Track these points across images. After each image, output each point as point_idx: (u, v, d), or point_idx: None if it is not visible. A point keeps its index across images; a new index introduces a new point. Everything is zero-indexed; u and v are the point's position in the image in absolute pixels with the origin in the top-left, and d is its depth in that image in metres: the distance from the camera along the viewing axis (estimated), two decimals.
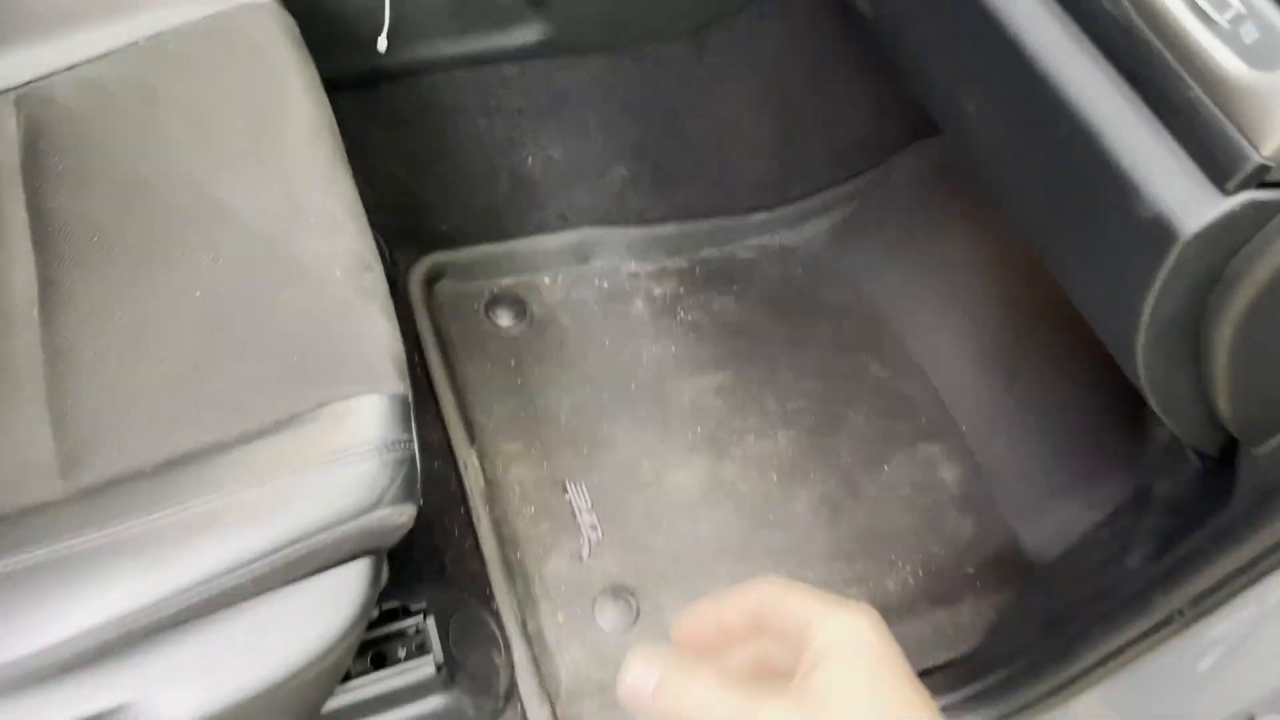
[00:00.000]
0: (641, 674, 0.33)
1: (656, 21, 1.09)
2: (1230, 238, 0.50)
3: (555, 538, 1.03)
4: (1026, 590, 1.01)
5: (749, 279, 1.30)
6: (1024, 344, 1.22)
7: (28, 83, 0.77)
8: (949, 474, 1.16)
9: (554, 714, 0.90)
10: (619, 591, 1.01)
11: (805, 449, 1.16)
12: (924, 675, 0.97)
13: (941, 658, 0.99)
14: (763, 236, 1.33)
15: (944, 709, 0.93)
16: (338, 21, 0.97)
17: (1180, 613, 0.69)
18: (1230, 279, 0.52)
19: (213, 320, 0.66)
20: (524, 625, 0.95)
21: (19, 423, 0.62)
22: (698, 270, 1.30)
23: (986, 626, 1.01)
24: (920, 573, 1.08)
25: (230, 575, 0.57)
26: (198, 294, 0.67)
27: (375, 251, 0.71)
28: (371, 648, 0.82)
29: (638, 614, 1.00)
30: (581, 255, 1.25)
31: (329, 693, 0.73)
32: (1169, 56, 0.47)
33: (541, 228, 1.23)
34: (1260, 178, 0.46)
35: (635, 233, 1.27)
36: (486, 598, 0.96)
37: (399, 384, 0.65)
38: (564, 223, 1.23)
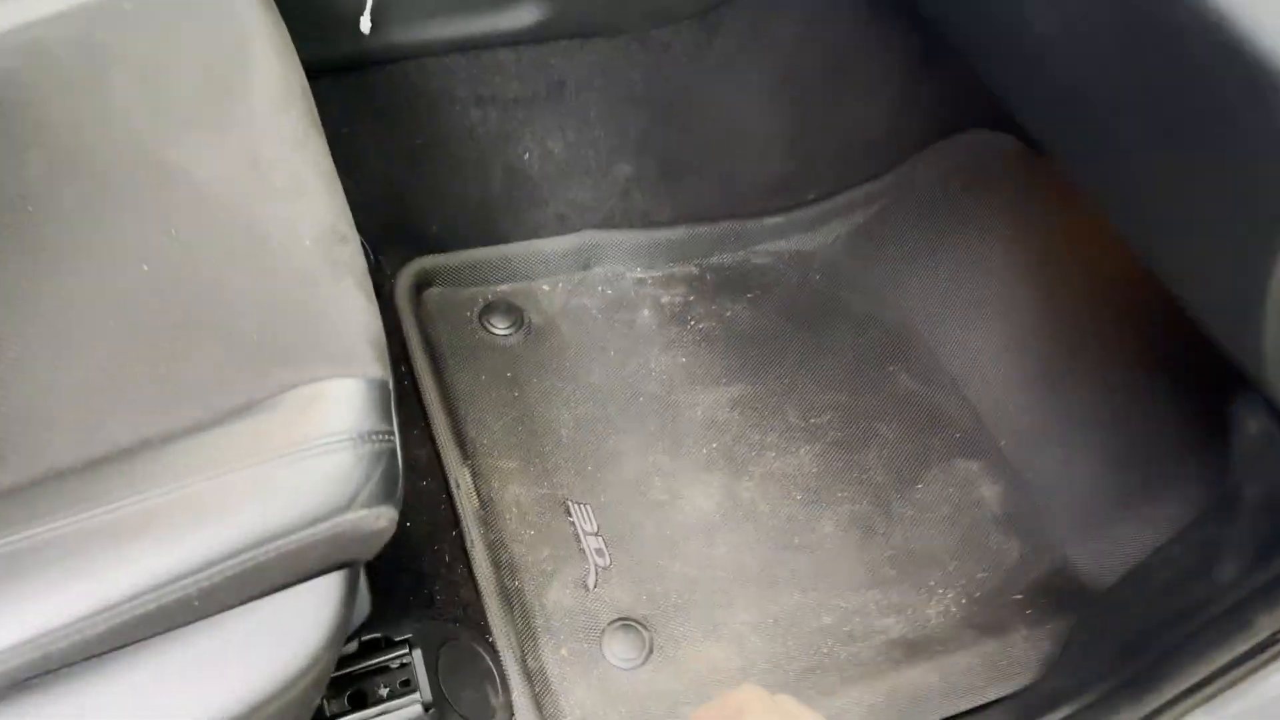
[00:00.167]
0: None
1: (664, 1, 1.03)
2: None
3: (557, 564, 0.94)
4: (1088, 615, 0.92)
5: (764, 286, 1.23)
6: (1066, 352, 1.14)
7: None
8: (989, 492, 1.08)
9: None
10: (629, 623, 0.92)
11: (831, 466, 1.07)
12: (977, 714, 0.88)
13: (994, 693, 0.89)
14: (777, 241, 1.26)
15: None
16: None
17: None
18: None
19: (159, 296, 0.58)
20: (523, 661, 0.86)
21: None
22: (708, 277, 1.22)
23: (1043, 658, 0.92)
24: (964, 599, 0.98)
25: (170, 588, 0.48)
26: (144, 267, 0.58)
27: (351, 222, 0.63)
28: (349, 685, 0.72)
29: (650, 648, 0.91)
30: (583, 261, 1.18)
31: None
32: None
33: (539, 230, 1.15)
34: None
35: (640, 236, 1.19)
36: (481, 630, 0.86)
37: (377, 367, 0.57)
38: (563, 224, 1.16)
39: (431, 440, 0.98)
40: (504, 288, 1.14)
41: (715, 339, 1.16)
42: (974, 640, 0.93)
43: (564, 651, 0.89)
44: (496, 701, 0.80)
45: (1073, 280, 1.17)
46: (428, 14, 0.98)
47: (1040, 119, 0.80)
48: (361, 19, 0.93)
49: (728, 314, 1.19)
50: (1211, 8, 0.42)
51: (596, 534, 0.97)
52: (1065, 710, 0.82)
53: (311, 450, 0.52)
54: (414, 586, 0.87)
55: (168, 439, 0.52)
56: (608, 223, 1.18)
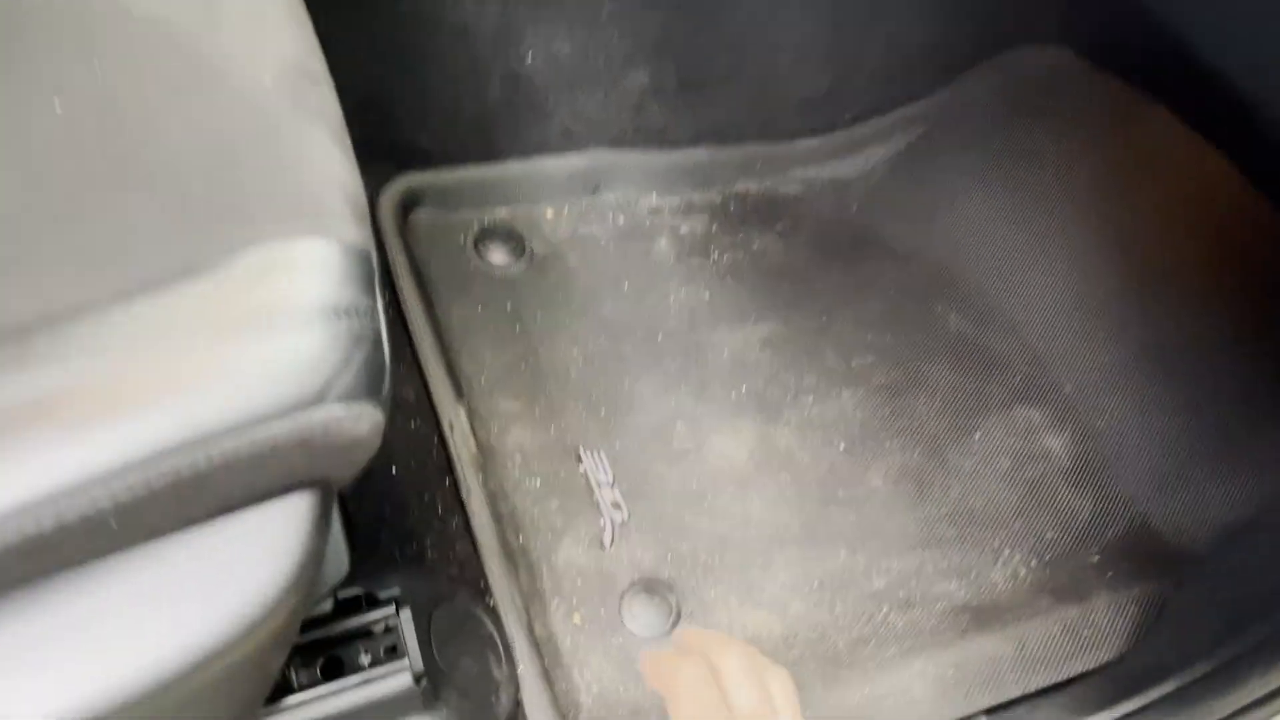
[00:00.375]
0: None
1: None
2: None
3: (568, 519, 0.83)
4: (1185, 582, 0.81)
5: (794, 217, 1.11)
6: (1137, 288, 1.03)
7: None
8: (1054, 442, 0.96)
9: None
10: (653, 586, 0.80)
11: (877, 412, 0.95)
12: (1063, 689, 0.77)
13: (1078, 666, 0.78)
14: (809, 168, 1.14)
15: None
16: None
17: None
18: None
19: (79, 140, 0.45)
20: (530, 628, 0.74)
21: None
22: (732, 206, 1.10)
23: (1132, 627, 0.81)
24: (1033, 561, 0.87)
25: (72, 502, 0.36)
26: (55, 104, 0.46)
27: (323, 61, 0.51)
28: (323, 651, 0.60)
29: (677, 614, 0.79)
30: (591, 184, 1.06)
31: (252, 707, 0.51)
32: None
33: (542, 146, 1.03)
34: None
35: (656, 158, 1.07)
36: (480, 592, 0.75)
37: (356, 231, 0.45)
38: (569, 140, 1.03)
39: (421, 376, 0.86)
40: (502, 212, 1.02)
41: (742, 273, 1.04)
42: (1051, 606, 0.82)
43: (577, 618, 0.77)
44: (500, 674, 0.69)
45: (1143, 209, 1.06)
46: None
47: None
48: None
49: (755, 246, 1.07)
50: None
51: (612, 485, 0.85)
52: (1169, 685, 0.72)
53: (270, 325, 0.40)
54: (400, 541, 0.76)
55: (85, 310, 0.40)
56: (620, 141, 1.06)
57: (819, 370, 0.97)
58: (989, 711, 0.75)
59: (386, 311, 0.91)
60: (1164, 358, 1.00)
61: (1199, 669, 0.69)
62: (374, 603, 0.62)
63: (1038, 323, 1.04)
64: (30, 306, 0.40)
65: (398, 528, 0.76)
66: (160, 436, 0.37)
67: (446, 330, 0.91)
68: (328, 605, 0.61)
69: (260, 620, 0.42)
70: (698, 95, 1.06)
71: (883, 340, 1.01)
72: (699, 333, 0.98)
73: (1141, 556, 0.88)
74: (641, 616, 0.78)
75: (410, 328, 0.89)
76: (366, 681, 0.58)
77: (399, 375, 0.86)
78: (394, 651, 0.61)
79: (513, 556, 0.78)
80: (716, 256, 1.05)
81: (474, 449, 0.83)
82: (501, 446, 0.85)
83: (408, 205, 0.98)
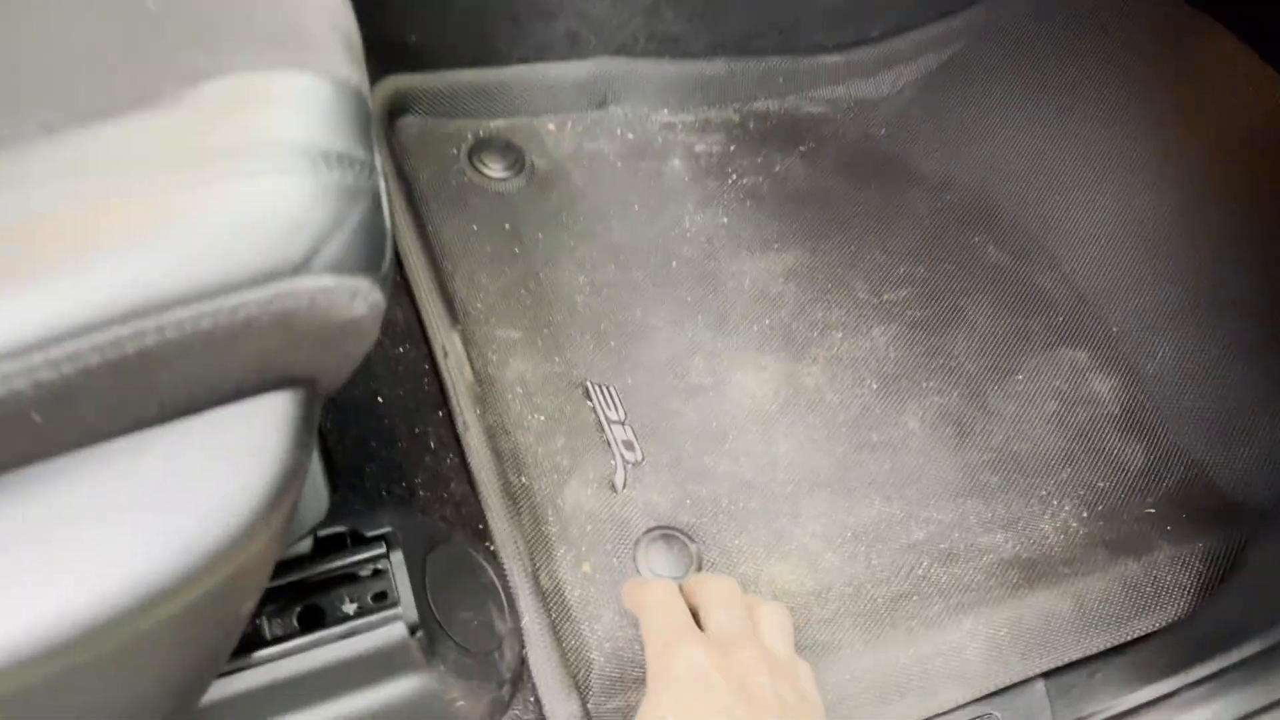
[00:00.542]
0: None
1: None
2: None
3: (575, 458, 0.75)
4: (1264, 535, 0.74)
5: (818, 138, 1.03)
6: (1189, 225, 0.96)
7: None
8: (1102, 386, 0.89)
9: (585, 711, 0.61)
10: (671, 534, 0.72)
11: (912, 350, 0.88)
12: (1125, 651, 0.70)
13: (1144, 626, 0.71)
14: (834, 87, 1.06)
15: (1169, 698, 0.65)
16: None
17: None
18: None
19: None
20: (535, 577, 0.66)
21: None
22: (751, 125, 1.02)
23: (1198, 584, 0.74)
24: (1085, 513, 0.80)
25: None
26: None
27: None
28: (301, 597, 0.52)
29: (699, 564, 0.72)
30: (598, 96, 0.97)
31: (216, 660, 0.43)
32: None
33: (544, 51, 0.94)
34: None
35: (669, 69, 0.99)
36: (478, 535, 0.67)
37: (351, 68, 0.36)
38: (575, 46, 0.94)
39: (410, 297, 0.78)
40: (499, 123, 0.93)
41: (763, 197, 0.96)
42: (1108, 561, 0.75)
43: (586, 567, 0.69)
44: (504, 627, 0.61)
45: (1198, 137, 0.99)
46: None
47: None
48: None
49: (776, 169, 0.99)
50: None
51: (624, 423, 0.77)
52: (1242, 651, 0.65)
53: (242, 166, 0.31)
54: (387, 479, 0.67)
55: (8, 143, 0.31)
56: (630, 49, 0.97)
57: (848, 303, 0.90)
58: (1045, 675, 0.68)
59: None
60: (1218, 298, 0.93)
61: (1263, 640, 0.62)
62: (361, 542, 0.54)
63: (1082, 258, 0.97)
64: None
65: (384, 463, 0.68)
66: (95, 299, 0.29)
67: (438, 249, 0.82)
68: (306, 545, 0.53)
69: (226, 550, 0.34)
70: (715, 1, 0.97)
71: (916, 273, 0.94)
72: (717, 260, 0.90)
73: (1201, 509, 0.81)
74: (659, 566, 0.70)
75: (398, 245, 0.80)
76: (352, 633, 0.50)
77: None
78: (383, 599, 0.53)
79: (515, 498, 0.70)
80: (735, 178, 0.96)
81: (470, 379, 0.75)
82: (501, 378, 0.77)
83: (394, 111, 0.89)
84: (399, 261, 0.79)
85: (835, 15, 1.03)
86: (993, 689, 0.67)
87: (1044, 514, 0.80)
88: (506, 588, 0.63)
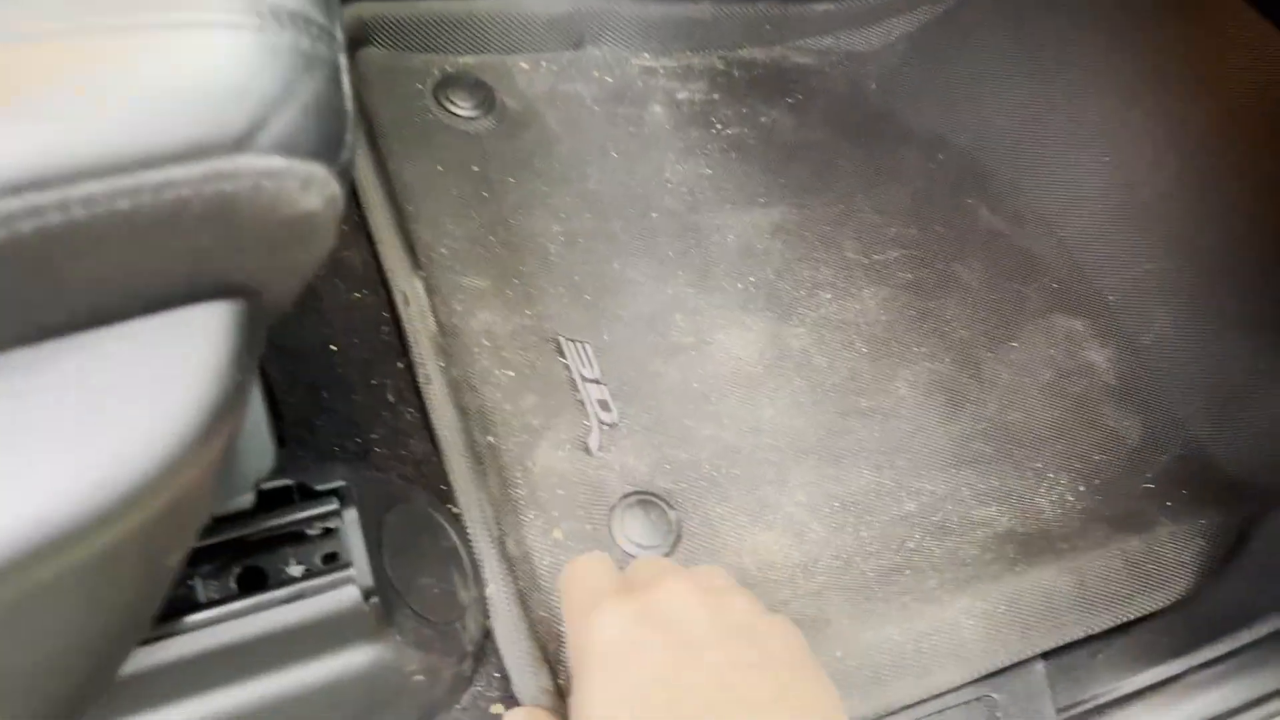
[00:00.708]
0: None
1: None
2: None
3: (547, 418, 0.70)
4: (1271, 512, 0.71)
5: (807, 90, 0.98)
6: (1189, 191, 0.93)
7: None
8: (1098, 356, 0.86)
9: (556, 686, 0.57)
10: (649, 499, 0.68)
11: (904, 314, 0.84)
12: (1128, 631, 0.67)
13: (1148, 605, 0.68)
14: (822, 38, 1.01)
15: (1176, 680, 0.62)
16: None
17: None
18: None
19: None
20: (501, 542, 0.61)
21: None
22: (735, 73, 0.97)
23: (1200, 561, 0.71)
24: (1081, 486, 0.77)
25: None
26: None
27: None
28: (240, 557, 0.47)
29: (678, 533, 0.67)
30: (574, 36, 0.91)
31: (138, 623, 0.38)
32: None
33: None
34: None
35: (651, 10, 0.93)
36: (440, 496, 0.62)
37: None
38: None
39: (368, 239, 0.72)
40: (468, 59, 0.88)
41: (748, 149, 0.91)
42: (1108, 537, 0.72)
43: (558, 533, 0.65)
44: (466, 595, 0.56)
45: (1200, 101, 0.96)
46: None
47: None
48: None
49: (762, 120, 0.94)
50: None
51: (599, 381, 0.73)
52: (1253, 632, 0.62)
53: (176, 16, 0.26)
54: (340, 433, 0.62)
55: None
56: None
57: (837, 264, 0.86)
58: (1045, 656, 0.65)
59: None
60: (1217, 267, 0.90)
61: (1272, 622, 0.59)
62: (309, 496, 0.49)
63: (1077, 224, 0.94)
64: None
65: (337, 416, 0.62)
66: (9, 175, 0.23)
67: (400, 190, 0.77)
68: (247, 500, 0.48)
69: (149, 483, 0.28)
70: None
71: (907, 233, 0.90)
72: (700, 214, 0.85)
73: (1201, 485, 0.79)
74: (635, 534, 0.66)
75: (357, 184, 0.74)
76: (298, 596, 0.45)
77: (342, 237, 0.72)
78: (334, 560, 0.48)
79: (480, 458, 0.65)
80: (719, 128, 0.92)
81: (434, 329, 0.69)
82: (466, 329, 0.72)
83: (355, 41, 0.83)
84: (355, 201, 0.74)
85: None
86: (991, 669, 0.63)
87: (1039, 487, 0.76)
88: (471, 554, 0.58)
